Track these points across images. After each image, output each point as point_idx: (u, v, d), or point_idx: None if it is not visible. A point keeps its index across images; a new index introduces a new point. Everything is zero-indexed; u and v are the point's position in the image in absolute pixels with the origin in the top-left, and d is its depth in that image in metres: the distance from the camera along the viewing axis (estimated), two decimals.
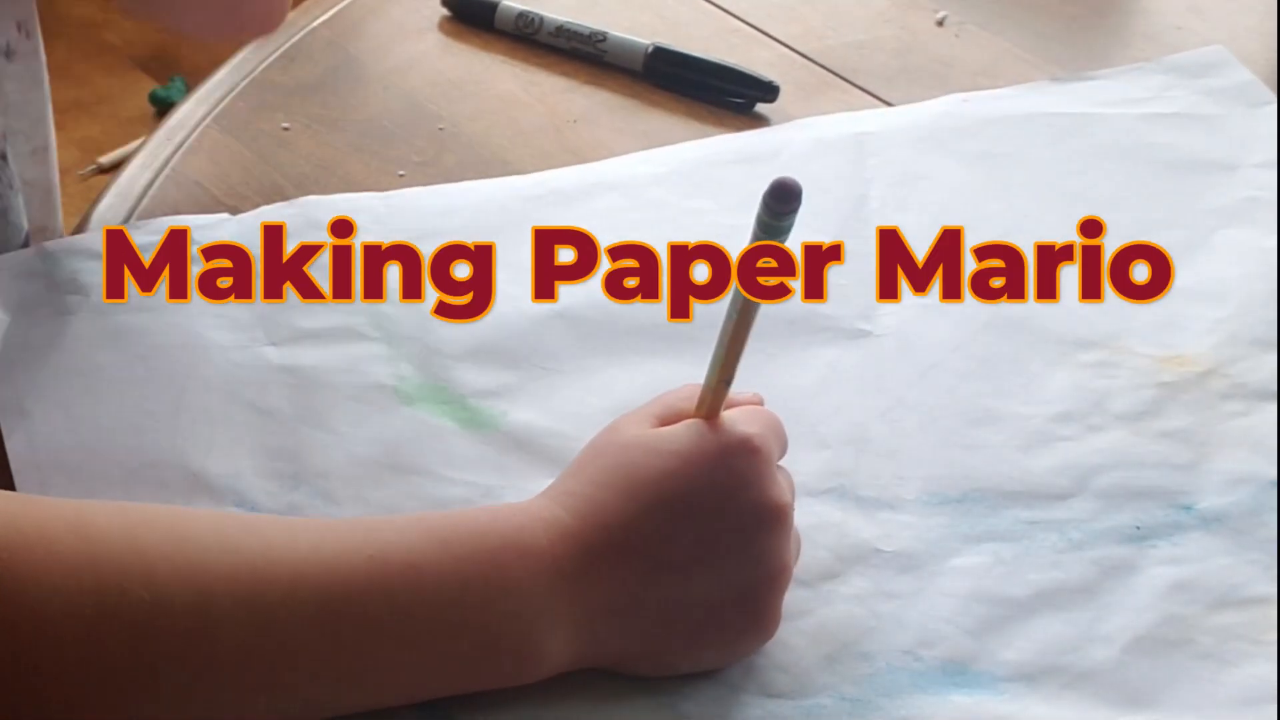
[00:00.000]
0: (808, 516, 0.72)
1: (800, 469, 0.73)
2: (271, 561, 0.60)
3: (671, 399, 0.67)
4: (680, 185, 0.88)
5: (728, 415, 0.65)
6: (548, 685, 0.64)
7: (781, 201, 0.57)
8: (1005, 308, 0.82)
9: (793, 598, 0.68)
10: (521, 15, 0.98)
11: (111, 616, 0.56)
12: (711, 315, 0.79)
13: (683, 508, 0.63)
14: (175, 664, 0.58)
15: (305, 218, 0.84)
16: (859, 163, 0.89)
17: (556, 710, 0.65)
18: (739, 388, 0.66)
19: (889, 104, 0.95)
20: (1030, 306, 0.82)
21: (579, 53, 0.97)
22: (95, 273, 0.80)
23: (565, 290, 0.81)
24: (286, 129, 0.90)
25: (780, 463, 0.68)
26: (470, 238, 0.83)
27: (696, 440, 0.64)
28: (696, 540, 0.63)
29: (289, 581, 0.60)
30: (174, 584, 0.58)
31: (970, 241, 0.85)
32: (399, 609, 0.61)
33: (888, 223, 0.86)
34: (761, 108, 0.94)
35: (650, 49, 0.95)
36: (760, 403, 0.70)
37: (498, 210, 0.85)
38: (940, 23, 1.02)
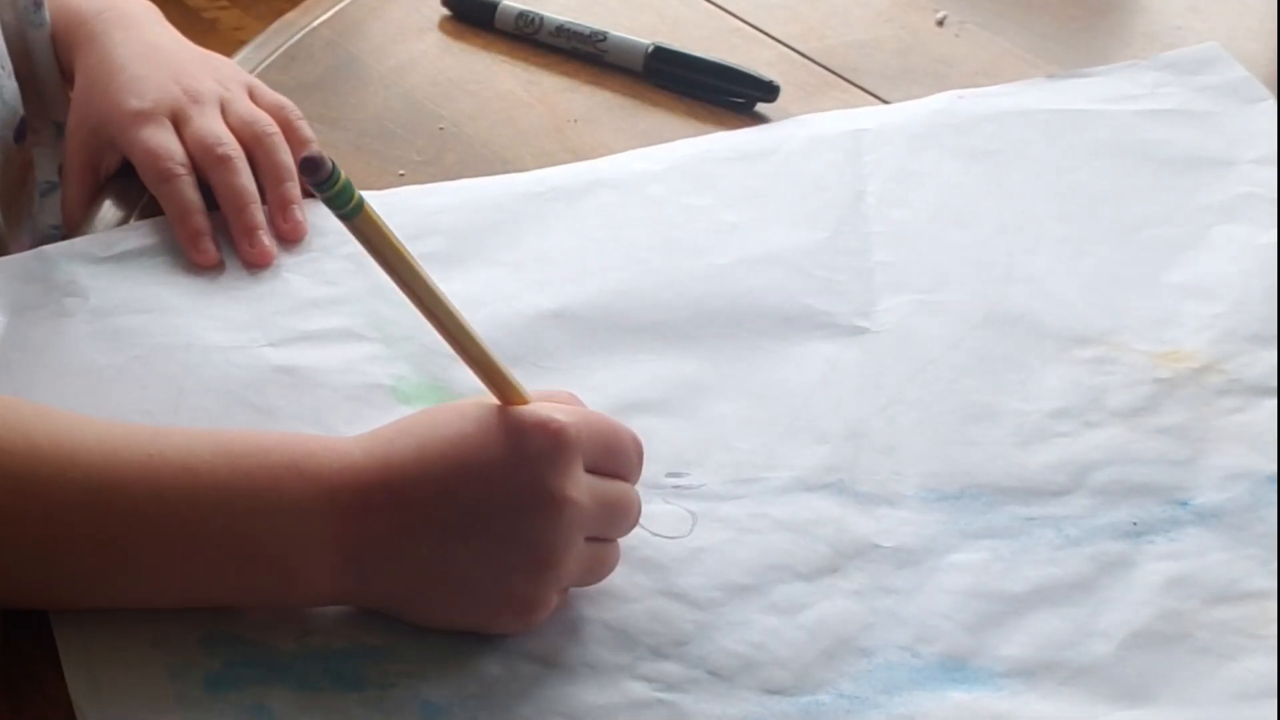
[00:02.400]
0: (806, 511, 0.72)
1: (798, 464, 0.74)
2: (52, 443, 0.63)
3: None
4: (678, 182, 0.87)
5: (549, 402, 0.65)
6: (539, 678, 0.65)
7: (310, 174, 0.57)
8: (1002, 304, 0.82)
9: (791, 592, 0.69)
10: (522, 15, 0.97)
11: None
12: (711, 314, 0.80)
13: (466, 473, 0.64)
14: None
15: None
16: (856, 159, 0.89)
17: (551, 702, 0.65)
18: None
19: (888, 104, 0.94)
20: (1027, 303, 0.82)
21: (579, 52, 0.97)
22: (93, 275, 0.79)
23: (562, 289, 0.81)
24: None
25: (637, 485, 0.68)
26: (467, 236, 0.83)
27: (504, 416, 0.64)
28: (467, 508, 0.63)
29: (64, 463, 0.63)
30: None
31: (966, 238, 0.85)
32: (168, 508, 0.63)
33: (884, 219, 0.86)
34: (762, 107, 0.94)
35: (650, 49, 0.95)
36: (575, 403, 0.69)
37: (495, 208, 0.85)
38: (940, 22, 1.01)
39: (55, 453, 0.63)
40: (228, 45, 0.95)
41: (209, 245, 0.80)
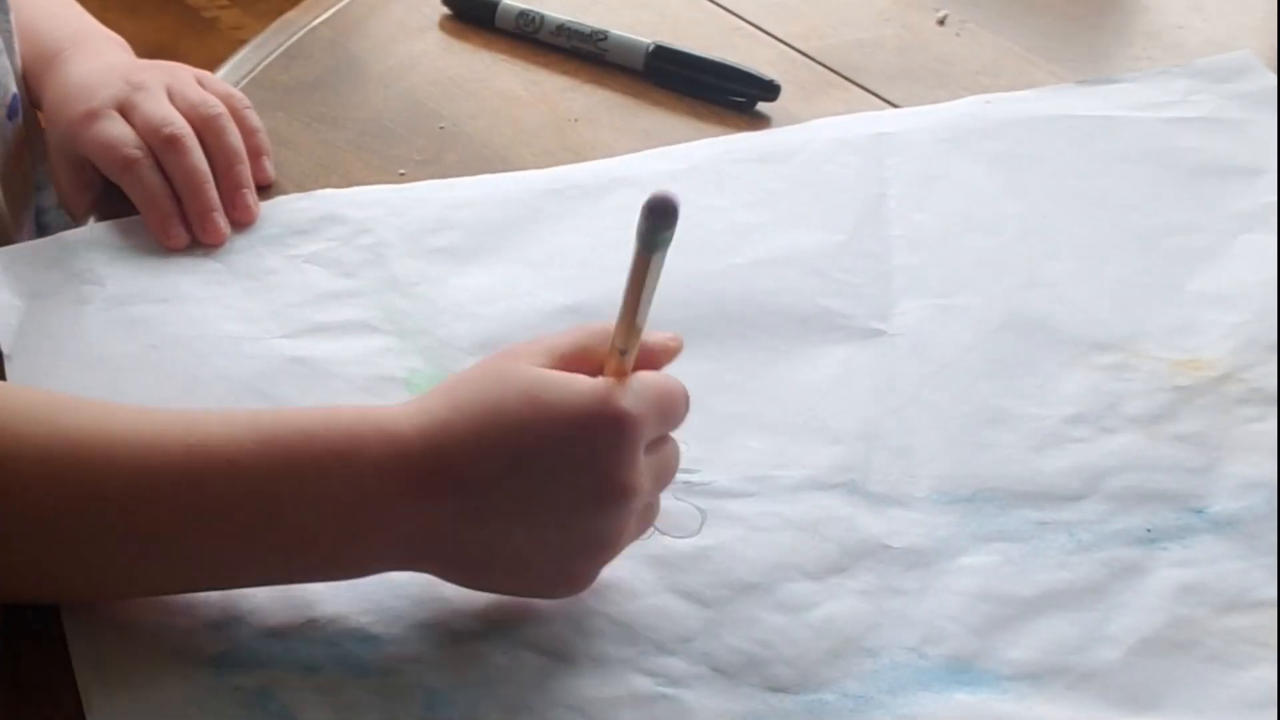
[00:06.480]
0: (816, 510, 0.78)
1: (810, 463, 0.80)
2: (86, 436, 0.68)
3: (583, 335, 0.71)
4: (698, 182, 0.94)
5: (625, 384, 0.69)
6: (542, 668, 0.71)
7: (660, 217, 0.63)
8: (1021, 309, 0.88)
9: (799, 590, 0.75)
10: (522, 14, 1.04)
11: None
12: (728, 314, 0.86)
13: (527, 460, 0.68)
14: None
15: (321, 209, 0.91)
16: (878, 162, 0.96)
17: (554, 693, 0.71)
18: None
19: (890, 103, 1.01)
20: (1047, 308, 0.88)
21: (580, 51, 1.03)
22: (111, 263, 0.86)
23: (579, 286, 0.87)
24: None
25: (687, 445, 0.74)
26: (485, 231, 0.90)
27: (569, 401, 0.68)
28: (529, 495, 0.68)
29: (100, 458, 0.68)
30: None
31: (987, 243, 0.91)
32: (211, 501, 0.68)
33: (905, 222, 0.92)
34: (762, 106, 1.00)
35: (651, 48, 1.02)
36: (677, 346, 0.74)
37: (514, 204, 0.92)
38: (941, 21, 1.08)
39: (91, 447, 0.68)
40: (228, 45, 1.02)
41: (179, 230, 0.88)
